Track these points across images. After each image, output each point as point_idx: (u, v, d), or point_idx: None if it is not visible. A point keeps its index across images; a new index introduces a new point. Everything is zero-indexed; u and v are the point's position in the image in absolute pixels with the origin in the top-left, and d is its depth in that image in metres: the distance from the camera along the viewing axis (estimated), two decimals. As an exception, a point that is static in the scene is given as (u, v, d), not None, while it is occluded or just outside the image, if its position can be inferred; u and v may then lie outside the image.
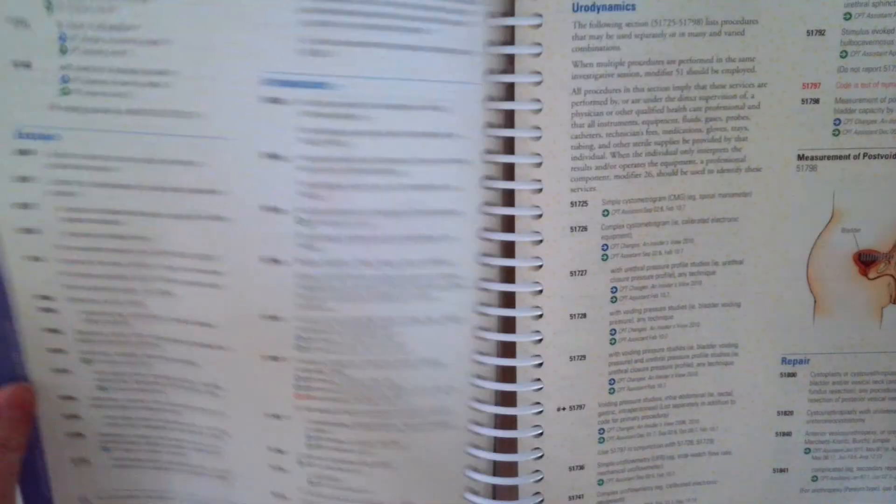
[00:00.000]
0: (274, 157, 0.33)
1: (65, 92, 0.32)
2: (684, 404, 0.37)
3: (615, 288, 0.35)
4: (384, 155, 0.33)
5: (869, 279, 0.35)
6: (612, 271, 0.35)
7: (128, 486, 0.38)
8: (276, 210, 0.33)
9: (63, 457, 0.38)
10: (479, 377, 0.36)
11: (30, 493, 0.38)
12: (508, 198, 0.35)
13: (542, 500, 0.37)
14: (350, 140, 0.33)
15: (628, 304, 0.35)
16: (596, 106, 0.33)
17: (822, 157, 0.34)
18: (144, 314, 0.35)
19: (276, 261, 0.34)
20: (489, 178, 0.34)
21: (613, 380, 0.36)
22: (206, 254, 0.34)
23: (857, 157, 0.34)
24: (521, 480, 0.36)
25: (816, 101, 0.34)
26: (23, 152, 0.33)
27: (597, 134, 0.33)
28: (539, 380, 0.35)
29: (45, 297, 0.35)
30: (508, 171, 0.35)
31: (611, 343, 0.36)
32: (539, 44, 0.33)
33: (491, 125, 0.34)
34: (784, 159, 0.34)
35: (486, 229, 0.34)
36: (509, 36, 0.33)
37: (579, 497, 0.37)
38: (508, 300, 0.35)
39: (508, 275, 0.36)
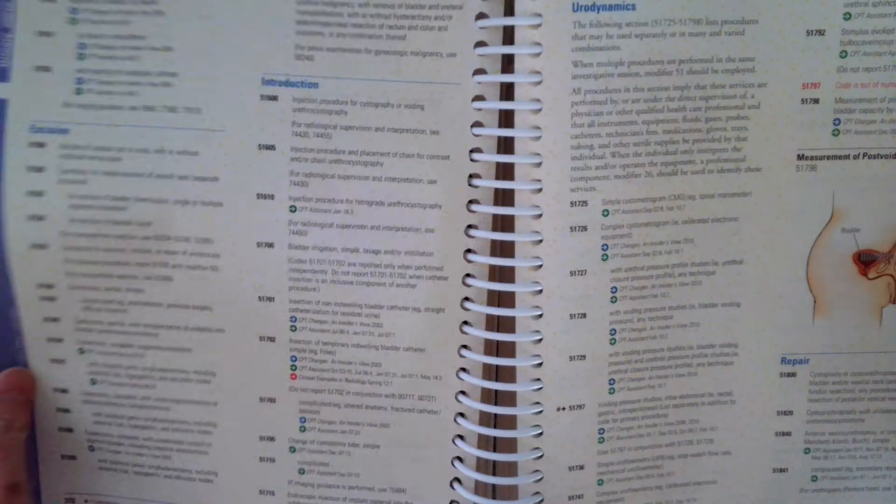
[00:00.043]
0: (269, 148, 0.35)
1: (79, 92, 0.35)
2: (684, 404, 0.36)
3: (615, 288, 0.35)
4: (366, 148, 0.35)
5: (869, 279, 0.35)
6: (612, 271, 0.35)
7: (111, 490, 0.39)
8: (270, 197, 0.35)
9: (53, 452, 0.38)
10: (464, 370, 0.36)
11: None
12: (500, 196, 0.35)
13: (541, 500, 0.36)
14: (336, 133, 0.35)
15: (628, 304, 0.35)
16: (596, 106, 0.33)
17: (821, 157, 0.34)
18: (143, 301, 0.36)
19: (270, 245, 0.35)
20: (475, 175, 0.35)
21: (613, 380, 0.36)
22: (205, 237, 0.36)
23: (856, 157, 0.34)
24: (521, 480, 0.36)
25: (816, 101, 0.34)
26: (36, 144, 0.35)
27: (597, 134, 0.33)
28: (539, 380, 0.35)
29: (48, 286, 0.36)
30: (503, 170, 0.35)
31: (611, 343, 0.35)
32: (539, 44, 0.33)
33: (479, 124, 0.34)
34: (784, 159, 0.34)
35: (472, 226, 0.35)
36: (508, 36, 0.34)
37: (579, 497, 0.37)
38: (495, 295, 0.35)
39: (501, 272, 0.36)
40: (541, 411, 0.36)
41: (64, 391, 0.37)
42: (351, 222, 0.35)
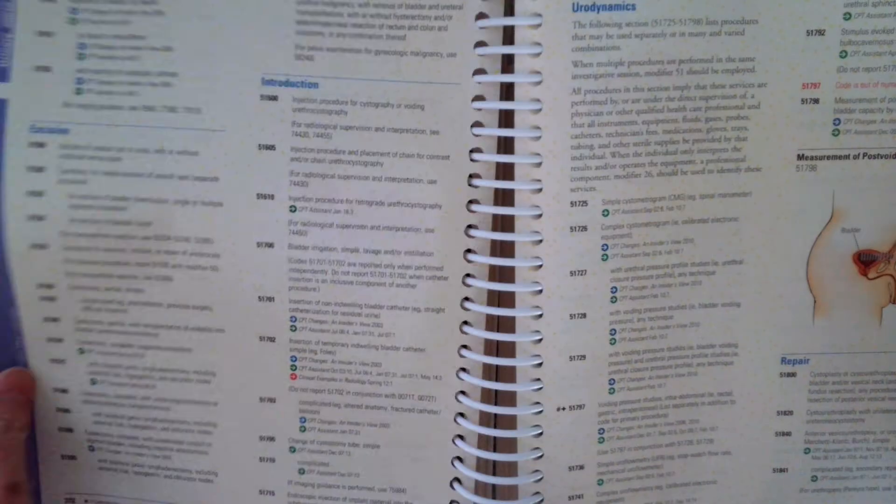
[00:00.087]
0: (269, 148, 0.35)
1: (79, 92, 0.35)
2: (684, 404, 0.36)
3: (615, 288, 0.34)
4: (366, 148, 0.34)
5: (869, 279, 0.35)
6: (612, 271, 0.34)
7: (111, 490, 0.38)
8: (270, 197, 0.35)
9: (53, 452, 0.38)
10: (464, 370, 0.36)
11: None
12: (500, 196, 0.35)
13: (541, 500, 0.36)
14: (335, 133, 0.34)
15: (628, 304, 0.35)
16: (596, 106, 0.33)
17: (821, 157, 0.34)
18: (143, 301, 0.36)
19: (270, 245, 0.35)
20: (475, 175, 0.34)
21: (613, 380, 0.35)
22: (205, 237, 0.35)
23: (856, 156, 0.34)
24: (521, 480, 0.36)
25: (816, 101, 0.33)
26: (37, 144, 0.35)
27: (597, 134, 0.33)
28: (539, 380, 0.35)
29: (48, 286, 0.36)
30: (502, 170, 0.35)
31: (611, 343, 0.35)
32: (539, 44, 0.32)
33: (479, 124, 0.34)
34: (784, 159, 0.34)
35: (472, 226, 0.35)
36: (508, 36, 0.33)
37: (579, 497, 0.36)
38: (496, 295, 0.35)
39: (502, 272, 0.35)
40: (541, 411, 0.35)
41: (64, 391, 0.37)
42: (351, 222, 0.35)
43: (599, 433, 0.36)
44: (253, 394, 0.37)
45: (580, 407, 0.35)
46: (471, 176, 0.34)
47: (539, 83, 0.33)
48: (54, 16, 0.35)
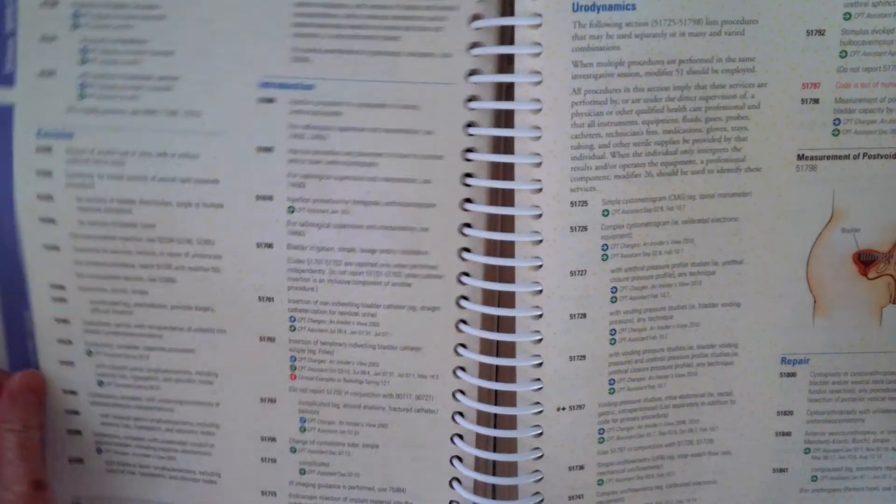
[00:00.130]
0: (267, 150, 0.34)
1: (82, 96, 0.35)
2: (684, 404, 0.36)
3: (615, 288, 0.34)
4: (362, 149, 0.34)
5: (869, 279, 0.35)
6: (612, 271, 0.34)
7: (118, 492, 0.38)
8: (269, 198, 0.35)
9: (61, 455, 0.38)
10: (462, 369, 0.35)
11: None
12: (495, 194, 0.34)
13: (541, 500, 0.35)
14: (331, 135, 0.34)
15: (628, 304, 0.34)
16: (596, 106, 0.32)
17: (821, 157, 0.33)
18: (147, 303, 0.36)
19: (269, 245, 0.35)
20: (470, 175, 0.34)
21: (613, 380, 0.35)
22: (207, 238, 0.35)
23: (856, 157, 0.33)
24: (521, 480, 0.35)
25: (816, 100, 0.33)
26: (44, 149, 0.35)
27: (597, 134, 0.32)
28: (539, 380, 0.34)
29: (59, 287, 0.36)
30: (502, 170, 0.34)
31: (611, 343, 0.35)
32: (539, 44, 0.32)
33: (473, 124, 0.34)
34: (784, 159, 0.33)
35: (468, 225, 0.34)
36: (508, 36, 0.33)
37: (579, 497, 0.36)
38: (492, 294, 0.35)
39: (501, 272, 0.35)
40: (541, 411, 0.35)
41: (73, 393, 0.37)
42: (347, 222, 0.35)
43: (599, 433, 0.35)
44: (254, 394, 0.37)
45: (580, 407, 0.35)
46: (466, 175, 0.34)
47: (539, 83, 0.32)
48: (56, 20, 0.34)
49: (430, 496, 0.37)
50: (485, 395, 0.36)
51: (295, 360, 0.36)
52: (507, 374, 0.35)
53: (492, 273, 0.35)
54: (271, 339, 0.36)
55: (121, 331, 0.36)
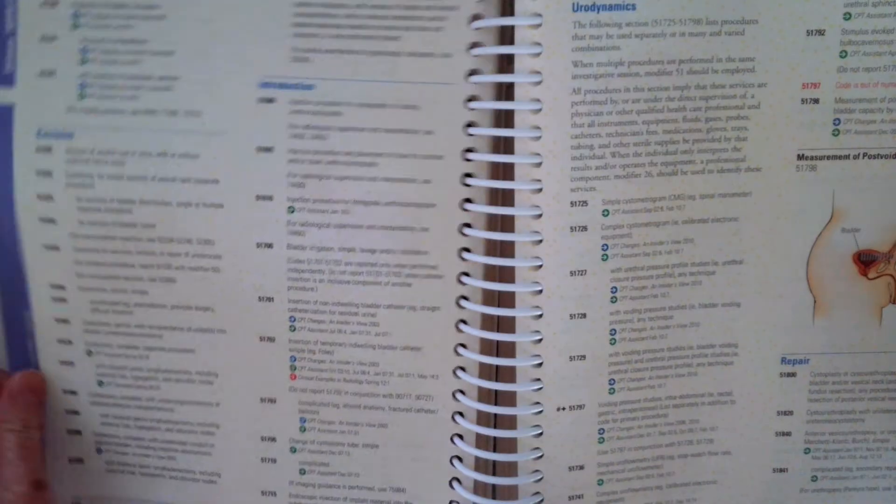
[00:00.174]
0: (267, 150, 0.34)
1: (82, 96, 0.34)
2: (684, 404, 0.35)
3: (615, 288, 0.34)
4: (362, 149, 0.34)
5: (869, 279, 0.34)
6: (612, 271, 0.33)
7: (118, 492, 0.38)
8: (269, 198, 0.34)
9: (61, 455, 0.37)
10: (462, 369, 0.35)
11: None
12: (494, 194, 0.34)
13: (541, 500, 0.35)
14: (331, 135, 0.34)
15: (628, 304, 0.34)
16: (596, 106, 0.32)
17: (821, 157, 0.33)
18: (147, 303, 0.36)
19: (269, 245, 0.35)
20: (470, 175, 0.34)
21: (613, 380, 0.35)
22: (207, 238, 0.35)
23: (856, 157, 0.33)
24: (521, 480, 0.35)
25: (816, 100, 0.32)
26: (44, 149, 0.35)
27: (597, 134, 0.32)
28: (539, 380, 0.34)
29: (59, 287, 0.36)
30: (502, 170, 0.34)
31: (611, 343, 0.34)
32: (539, 44, 0.31)
33: (473, 124, 0.33)
34: (784, 159, 0.33)
35: (468, 225, 0.34)
36: (508, 36, 0.32)
37: (579, 497, 0.35)
38: (492, 294, 0.34)
39: (502, 272, 0.34)
40: (541, 411, 0.34)
41: (73, 393, 0.37)
42: (347, 222, 0.34)
43: (599, 433, 0.35)
44: (254, 394, 0.36)
45: (580, 407, 0.35)
46: (466, 175, 0.34)
47: (539, 83, 0.32)
48: (56, 20, 0.34)
49: (430, 496, 0.36)
50: (485, 395, 0.35)
51: (295, 360, 0.36)
52: (507, 374, 0.35)
53: (492, 273, 0.35)
54: (271, 339, 0.35)
55: (121, 331, 0.36)
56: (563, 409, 0.34)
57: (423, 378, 0.35)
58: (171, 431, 0.37)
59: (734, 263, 0.34)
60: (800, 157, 0.33)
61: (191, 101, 0.34)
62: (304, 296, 0.35)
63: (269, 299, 0.35)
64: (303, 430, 0.36)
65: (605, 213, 0.33)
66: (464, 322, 0.35)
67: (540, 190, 0.32)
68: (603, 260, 0.33)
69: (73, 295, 0.36)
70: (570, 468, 0.35)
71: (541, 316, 0.33)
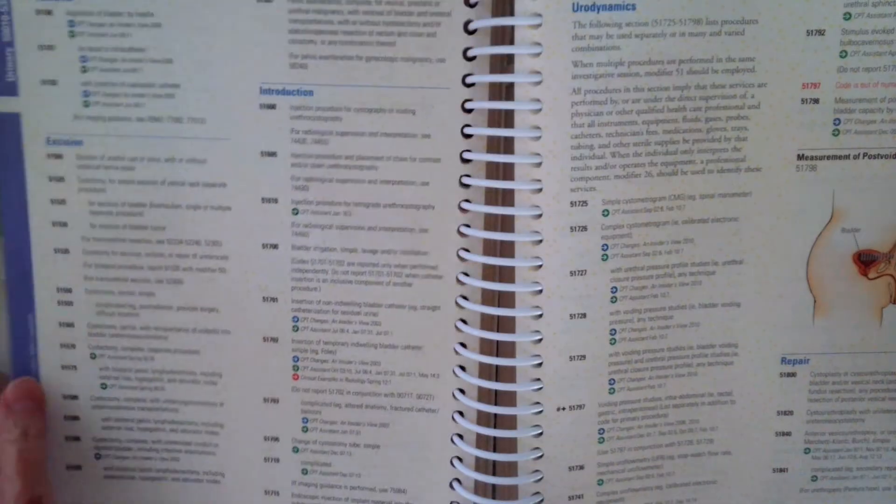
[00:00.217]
0: (271, 154, 0.34)
1: (86, 104, 0.34)
2: (684, 404, 0.34)
3: (615, 288, 0.33)
4: (362, 153, 0.34)
5: (869, 279, 0.33)
6: (612, 271, 0.33)
7: (116, 499, 0.37)
8: (274, 201, 0.34)
9: (58, 462, 0.37)
10: (462, 368, 0.35)
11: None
12: (493, 196, 0.34)
13: (541, 500, 0.34)
14: (332, 139, 0.34)
15: (628, 304, 0.33)
16: (596, 106, 0.31)
17: (821, 157, 0.32)
18: (154, 305, 0.35)
19: (275, 246, 0.35)
20: (468, 176, 0.34)
21: (613, 380, 0.34)
22: (215, 240, 0.35)
23: (856, 156, 0.32)
24: (521, 480, 0.34)
25: (816, 100, 0.32)
26: (54, 156, 0.35)
27: (597, 134, 0.31)
28: (539, 380, 0.33)
29: (66, 290, 0.35)
30: (502, 170, 0.33)
31: (611, 343, 0.34)
32: (539, 44, 0.31)
33: (469, 125, 0.33)
34: (784, 159, 0.32)
35: (466, 225, 0.34)
36: (508, 36, 0.32)
37: (579, 497, 0.35)
38: (492, 293, 0.34)
39: (502, 272, 0.34)
40: (541, 411, 0.34)
41: (74, 398, 0.36)
42: (349, 223, 0.34)
43: (599, 433, 0.34)
44: (257, 394, 0.36)
45: (580, 407, 0.34)
46: (464, 176, 0.34)
47: (539, 83, 0.31)
48: (53, 29, 0.34)
49: (431, 497, 0.36)
50: (485, 395, 0.35)
51: (297, 360, 0.35)
52: (507, 374, 0.34)
53: (491, 273, 0.34)
54: (275, 340, 0.35)
55: (126, 333, 0.36)
56: (563, 409, 0.34)
57: (424, 377, 0.35)
58: (176, 432, 0.36)
59: (734, 263, 0.33)
60: (800, 157, 0.32)
61: (194, 108, 0.34)
62: (307, 296, 0.35)
63: (274, 299, 0.35)
64: (305, 429, 0.36)
65: (605, 213, 0.32)
66: (464, 322, 0.34)
67: (540, 190, 0.32)
68: (603, 260, 0.33)
69: (79, 298, 0.35)
70: (570, 468, 0.34)
71: (541, 316, 0.33)
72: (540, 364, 0.33)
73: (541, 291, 0.33)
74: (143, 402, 0.36)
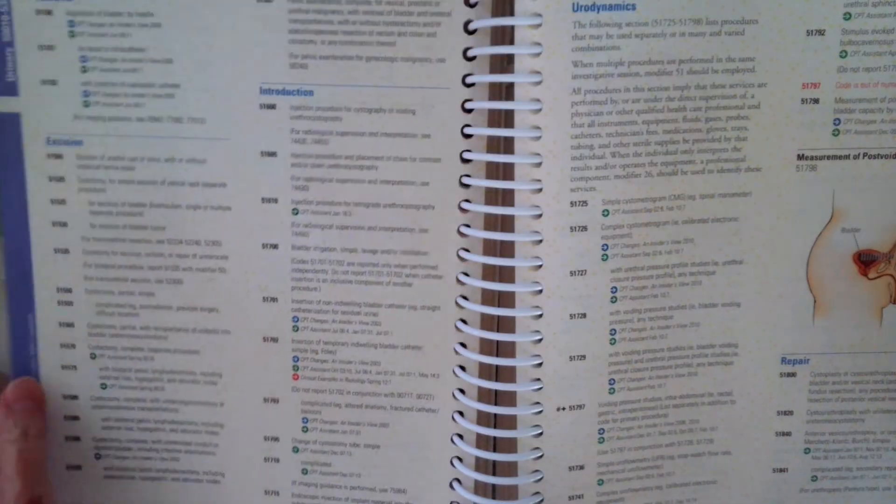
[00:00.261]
0: (271, 154, 0.34)
1: (86, 104, 0.34)
2: (684, 404, 0.34)
3: (615, 288, 0.33)
4: (362, 153, 0.34)
5: (869, 279, 0.33)
6: (612, 271, 0.32)
7: (116, 499, 0.37)
8: (274, 201, 0.34)
9: (58, 462, 0.36)
10: (462, 368, 0.34)
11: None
12: (494, 195, 0.33)
13: (541, 500, 0.34)
14: (332, 139, 0.34)
15: (628, 304, 0.33)
16: (596, 106, 0.31)
17: (821, 157, 0.32)
18: (154, 305, 0.35)
19: (275, 246, 0.34)
20: (468, 176, 0.33)
21: (613, 380, 0.34)
22: (215, 240, 0.34)
23: (856, 157, 0.32)
24: (521, 480, 0.34)
25: (816, 100, 0.31)
26: (55, 156, 0.34)
27: (597, 134, 0.31)
28: (539, 380, 0.33)
29: (66, 290, 0.35)
30: (502, 170, 0.33)
31: (611, 343, 0.33)
32: (539, 44, 0.30)
33: (469, 125, 0.33)
34: (784, 159, 0.32)
35: (466, 225, 0.33)
36: (508, 36, 0.31)
37: (579, 497, 0.34)
38: (492, 293, 0.33)
39: (502, 272, 0.33)
40: (541, 411, 0.33)
41: (74, 398, 0.36)
42: (349, 223, 0.34)
43: (599, 433, 0.34)
44: (257, 394, 0.35)
45: (580, 407, 0.34)
46: (464, 176, 0.33)
47: (539, 83, 0.31)
48: (53, 29, 0.33)
49: (431, 497, 0.35)
50: (485, 395, 0.34)
51: (297, 360, 0.35)
52: (507, 374, 0.34)
53: (491, 273, 0.34)
54: (275, 340, 0.35)
55: (126, 333, 0.35)
56: (563, 409, 0.33)
57: (424, 377, 0.35)
58: (176, 432, 0.36)
59: (734, 263, 0.33)
60: (800, 157, 0.32)
61: (194, 108, 0.34)
62: (307, 296, 0.34)
63: (274, 299, 0.35)
64: (305, 429, 0.35)
65: (605, 213, 0.32)
66: (464, 322, 0.34)
67: (540, 190, 0.31)
68: (603, 260, 0.32)
69: (79, 298, 0.35)
70: (570, 468, 0.34)
71: (541, 316, 0.32)
72: (540, 364, 0.33)
73: (541, 291, 0.32)
74: (143, 402, 0.36)
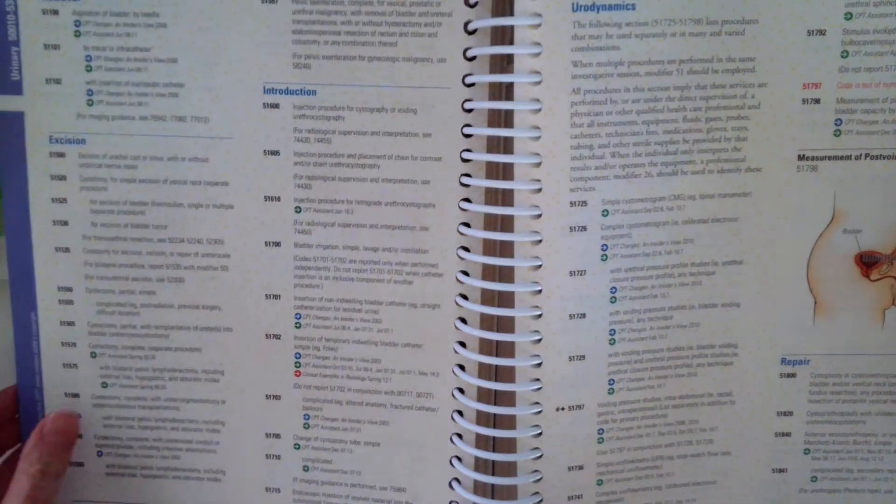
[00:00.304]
0: (274, 153, 0.34)
1: (90, 103, 0.34)
2: (684, 405, 0.33)
3: (615, 288, 0.32)
4: (364, 151, 0.33)
5: (871, 281, 0.32)
6: (612, 271, 0.32)
7: (118, 496, 0.37)
8: (277, 199, 0.34)
9: None
10: (461, 367, 0.34)
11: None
12: (494, 195, 0.33)
13: (541, 500, 0.33)
14: (334, 138, 0.33)
15: (628, 304, 0.32)
16: (596, 106, 0.30)
17: (822, 158, 0.31)
18: (155, 303, 0.35)
19: (277, 244, 0.34)
20: (468, 175, 0.33)
21: (613, 380, 0.33)
22: (217, 238, 0.34)
23: (858, 157, 0.31)
24: (520, 480, 0.33)
25: (817, 101, 0.31)
26: (57, 154, 0.34)
27: (596, 134, 0.30)
28: (538, 380, 0.32)
29: (66, 289, 0.35)
30: (502, 170, 0.32)
31: (610, 343, 0.33)
32: (539, 44, 0.30)
33: (469, 125, 0.33)
34: (784, 159, 0.31)
35: (466, 224, 0.33)
36: (508, 36, 0.31)
37: (578, 497, 0.34)
38: (492, 293, 0.33)
39: (501, 272, 0.33)
40: (540, 411, 0.33)
41: (75, 396, 0.36)
42: (351, 221, 0.34)
43: (599, 433, 0.34)
44: (259, 391, 0.35)
45: (579, 407, 0.33)
46: (464, 175, 0.33)
47: (539, 83, 0.30)
48: (58, 28, 0.33)
49: (430, 496, 0.35)
50: (484, 395, 0.34)
51: (300, 356, 0.35)
52: (507, 374, 0.34)
53: (490, 272, 0.33)
54: (277, 337, 0.35)
55: (126, 332, 0.35)
56: (563, 409, 0.33)
57: (424, 375, 0.34)
58: (177, 430, 0.36)
59: (734, 263, 0.32)
60: (800, 158, 0.31)
61: (198, 107, 0.33)
62: (309, 293, 0.34)
63: (276, 297, 0.34)
64: (307, 426, 0.35)
65: (605, 213, 0.31)
66: (463, 321, 0.34)
67: (539, 190, 0.31)
68: (602, 260, 0.32)
69: (80, 297, 0.35)
70: (570, 468, 0.33)
71: (540, 316, 0.32)
72: (539, 364, 0.32)
73: (540, 291, 0.32)
74: (145, 400, 0.36)
